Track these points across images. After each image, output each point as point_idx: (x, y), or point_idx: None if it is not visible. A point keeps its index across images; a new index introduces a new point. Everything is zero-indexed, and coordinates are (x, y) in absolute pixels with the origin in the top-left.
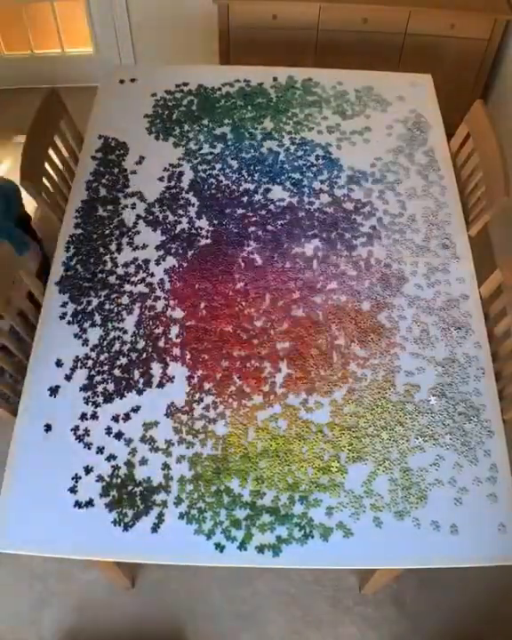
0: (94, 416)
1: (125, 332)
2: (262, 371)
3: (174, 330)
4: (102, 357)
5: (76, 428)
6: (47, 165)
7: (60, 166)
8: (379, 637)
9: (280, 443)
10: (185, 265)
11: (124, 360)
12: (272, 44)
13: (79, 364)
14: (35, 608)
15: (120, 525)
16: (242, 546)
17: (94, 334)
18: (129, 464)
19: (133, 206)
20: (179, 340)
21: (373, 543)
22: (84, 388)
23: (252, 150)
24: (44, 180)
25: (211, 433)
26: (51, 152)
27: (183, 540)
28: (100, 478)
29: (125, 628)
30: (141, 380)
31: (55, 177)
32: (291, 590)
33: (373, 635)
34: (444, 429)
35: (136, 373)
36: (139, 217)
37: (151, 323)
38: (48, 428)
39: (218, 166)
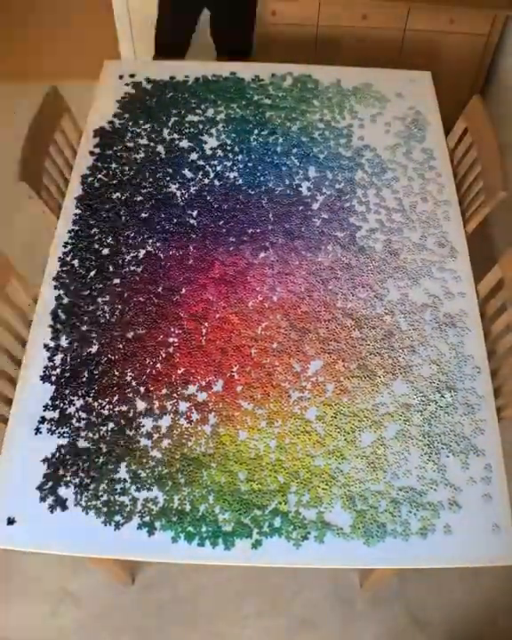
0: (89, 411)
1: (119, 327)
2: (257, 365)
3: (169, 325)
4: (95, 353)
5: (68, 424)
6: (49, 164)
7: (63, 164)
8: (379, 634)
9: (273, 440)
10: (177, 260)
11: (116, 356)
12: (271, 40)
13: (72, 359)
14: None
15: (111, 525)
16: (233, 544)
17: (88, 329)
18: (122, 461)
19: (130, 201)
20: (172, 332)
21: (368, 542)
22: (79, 384)
23: (248, 146)
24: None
25: (202, 432)
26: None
27: (175, 539)
28: (91, 474)
29: (126, 625)
30: (135, 377)
31: (54, 175)
32: (290, 588)
33: (373, 631)
34: (438, 428)
35: (128, 370)
36: (134, 211)
37: (145, 317)
38: (41, 421)
39: (213, 162)
